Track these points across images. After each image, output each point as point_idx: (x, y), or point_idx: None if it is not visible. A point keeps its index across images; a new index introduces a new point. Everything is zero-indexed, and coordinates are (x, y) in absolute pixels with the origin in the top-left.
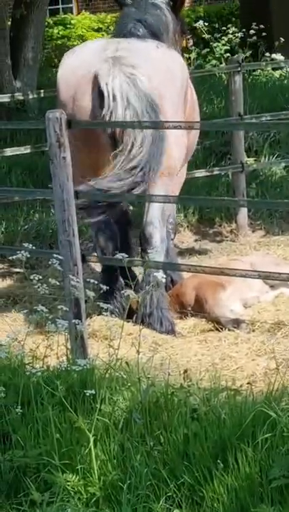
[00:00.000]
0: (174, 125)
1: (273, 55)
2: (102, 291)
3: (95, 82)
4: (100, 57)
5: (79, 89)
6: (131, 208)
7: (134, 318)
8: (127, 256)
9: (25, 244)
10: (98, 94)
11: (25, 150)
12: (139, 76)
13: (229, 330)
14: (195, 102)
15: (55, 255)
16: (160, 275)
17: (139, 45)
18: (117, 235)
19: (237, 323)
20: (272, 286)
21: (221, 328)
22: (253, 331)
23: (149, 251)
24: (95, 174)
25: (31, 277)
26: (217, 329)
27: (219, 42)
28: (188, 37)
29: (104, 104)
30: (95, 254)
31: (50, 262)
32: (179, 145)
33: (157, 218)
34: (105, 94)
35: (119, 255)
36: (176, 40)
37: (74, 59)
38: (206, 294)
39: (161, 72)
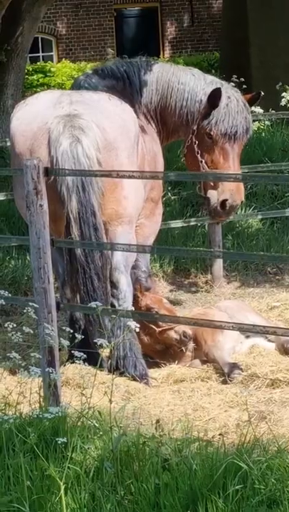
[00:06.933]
0: (150, 175)
1: (252, 108)
2: (76, 340)
3: (49, 138)
4: (55, 111)
5: (35, 142)
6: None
7: (108, 364)
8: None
9: (2, 292)
10: (50, 153)
11: (1, 197)
12: (84, 143)
13: (202, 380)
14: (151, 154)
15: (30, 303)
16: (133, 324)
17: (92, 97)
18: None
19: (235, 367)
20: (247, 336)
21: (195, 379)
22: (227, 382)
23: (119, 297)
24: (54, 225)
25: (6, 325)
26: (190, 380)
27: None
28: None
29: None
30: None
31: (25, 310)
32: (137, 195)
33: (122, 263)
34: (54, 160)
35: (92, 303)
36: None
37: (28, 111)
38: (205, 334)
39: (115, 123)
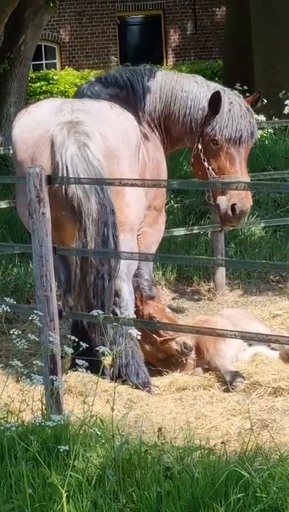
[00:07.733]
0: (153, 183)
1: (255, 116)
2: (81, 349)
3: (52, 144)
4: (57, 118)
5: (37, 150)
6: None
7: (110, 371)
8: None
9: (7, 299)
10: (54, 160)
11: (4, 204)
12: (91, 147)
13: (204, 389)
14: (154, 162)
15: (35, 311)
16: (135, 332)
17: (93, 105)
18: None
19: (237, 375)
20: (250, 344)
21: (197, 387)
22: (229, 390)
23: (121, 305)
24: (56, 232)
25: (11, 332)
26: (193, 388)
27: None
28: None
29: (58, 173)
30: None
31: (30, 318)
32: (138, 203)
33: (124, 271)
34: (59, 165)
35: (94, 312)
36: (166, 122)
37: (30, 118)
38: (207, 342)
39: (116, 132)
